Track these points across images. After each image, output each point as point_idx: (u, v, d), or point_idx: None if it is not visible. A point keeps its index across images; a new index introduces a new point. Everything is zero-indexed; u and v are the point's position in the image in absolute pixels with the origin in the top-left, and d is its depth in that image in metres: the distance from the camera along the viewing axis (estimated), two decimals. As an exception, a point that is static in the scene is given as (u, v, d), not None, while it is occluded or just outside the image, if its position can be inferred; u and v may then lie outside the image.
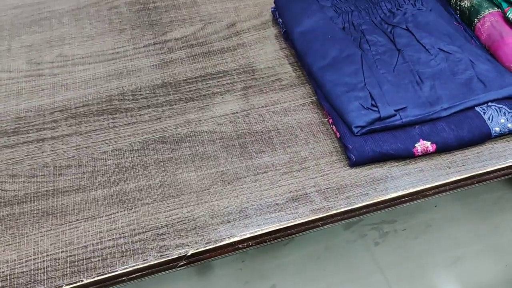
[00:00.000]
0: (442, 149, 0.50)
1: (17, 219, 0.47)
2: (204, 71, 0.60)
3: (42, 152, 0.52)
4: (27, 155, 0.52)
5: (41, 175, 0.50)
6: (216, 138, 0.53)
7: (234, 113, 0.56)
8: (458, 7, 0.63)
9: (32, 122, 0.55)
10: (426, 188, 0.48)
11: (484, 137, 0.51)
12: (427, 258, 0.73)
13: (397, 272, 0.74)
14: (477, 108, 0.52)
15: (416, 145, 0.50)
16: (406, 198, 0.48)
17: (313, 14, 0.61)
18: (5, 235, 0.46)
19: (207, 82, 0.59)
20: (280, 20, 0.64)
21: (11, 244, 0.45)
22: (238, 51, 0.63)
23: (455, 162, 0.50)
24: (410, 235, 0.65)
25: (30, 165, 0.51)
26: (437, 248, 0.72)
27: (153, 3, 0.71)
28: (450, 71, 0.55)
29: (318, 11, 0.62)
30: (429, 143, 0.50)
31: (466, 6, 0.61)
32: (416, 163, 0.50)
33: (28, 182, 0.50)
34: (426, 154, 0.50)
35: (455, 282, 0.80)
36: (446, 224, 0.67)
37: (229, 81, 0.59)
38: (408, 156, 0.50)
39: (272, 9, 0.67)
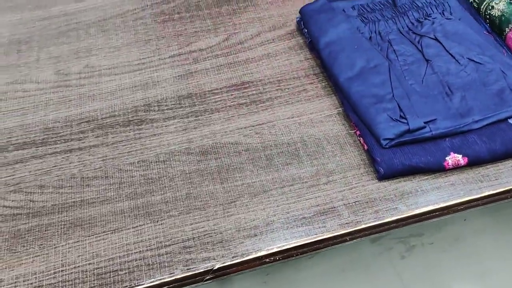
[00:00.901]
0: (474, 162, 0.49)
1: (45, 230, 0.47)
2: (229, 82, 0.60)
3: (70, 163, 0.53)
4: (55, 166, 0.53)
5: (69, 186, 0.51)
6: (242, 150, 0.53)
7: (260, 124, 0.55)
8: (488, 16, 0.61)
9: (60, 132, 0.56)
10: (457, 203, 0.47)
11: (518, 150, 0.49)
12: (453, 271, 0.71)
13: (422, 285, 0.72)
14: (510, 120, 0.51)
15: (446, 158, 0.48)
16: (437, 213, 0.47)
17: (339, 24, 0.61)
18: (33, 246, 0.46)
19: (232, 93, 0.59)
20: (305, 30, 0.63)
21: (39, 255, 0.45)
22: (263, 62, 0.62)
23: (487, 176, 0.48)
24: (437, 248, 0.63)
25: (58, 176, 0.52)
26: (464, 261, 0.70)
27: (178, 13, 0.71)
28: (481, 82, 0.54)
29: (344, 21, 0.61)
30: (460, 156, 0.48)
31: (496, 15, 0.60)
32: (446, 176, 0.49)
33: (56, 193, 0.50)
34: (457, 168, 0.49)
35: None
36: (475, 238, 0.65)
37: (254, 92, 0.59)
38: (438, 169, 0.49)
39: (297, 19, 0.66)
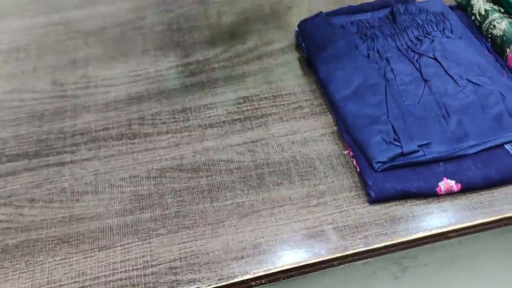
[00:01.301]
0: (467, 189, 0.48)
1: (33, 246, 0.47)
2: (225, 96, 0.60)
3: (61, 177, 0.53)
4: (46, 179, 0.53)
5: (59, 201, 0.51)
6: (234, 168, 0.52)
7: (253, 141, 0.55)
8: (489, 35, 0.60)
9: (53, 145, 0.56)
10: (449, 231, 0.46)
11: (514, 177, 0.48)
12: (450, 290, 0.70)
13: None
14: (507, 146, 0.50)
15: (439, 184, 0.48)
16: (428, 240, 0.46)
17: (338, 40, 0.60)
18: (20, 262, 0.46)
19: (227, 108, 0.58)
20: (304, 45, 0.63)
21: (25, 272, 0.45)
22: (260, 76, 0.62)
23: (481, 203, 0.48)
24: (432, 269, 0.62)
25: (48, 190, 0.52)
26: (460, 281, 0.69)
27: (177, 24, 0.71)
28: (479, 105, 0.53)
29: (342, 38, 0.60)
30: (453, 182, 0.48)
31: (498, 34, 0.59)
32: (439, 202, 0.48)
33: (46, 207, 0.50)
34: (450, 193, 0.48)
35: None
36: (470, 259, 0.64)
37: (249, 108, 0.58)
38: (431, 195, 0.48)
39: (296, 32, 0.66)
